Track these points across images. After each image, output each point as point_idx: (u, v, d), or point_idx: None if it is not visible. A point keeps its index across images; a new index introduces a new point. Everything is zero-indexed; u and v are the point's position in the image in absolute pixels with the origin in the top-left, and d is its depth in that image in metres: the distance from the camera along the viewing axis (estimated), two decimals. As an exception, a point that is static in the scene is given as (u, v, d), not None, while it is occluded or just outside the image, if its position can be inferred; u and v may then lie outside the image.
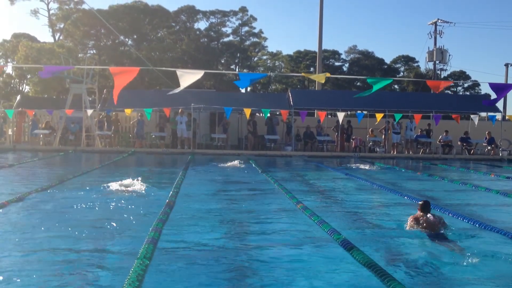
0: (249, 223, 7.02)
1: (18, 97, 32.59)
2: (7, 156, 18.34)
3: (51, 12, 52.16)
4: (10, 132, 24.20)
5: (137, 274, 4.23)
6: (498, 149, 24.14)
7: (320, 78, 9.94)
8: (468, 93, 54.48)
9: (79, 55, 46.01)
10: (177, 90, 9.47)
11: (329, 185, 11.75)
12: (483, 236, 6.37)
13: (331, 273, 4.78)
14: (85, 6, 48.72)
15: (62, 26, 52.21)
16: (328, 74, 9.98)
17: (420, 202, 6.75)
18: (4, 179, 11.77)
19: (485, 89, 56.68)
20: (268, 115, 22.84)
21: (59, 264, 4.81)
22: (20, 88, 53.15)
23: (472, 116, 25.15)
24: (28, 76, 46.98)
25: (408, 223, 6.55)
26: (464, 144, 24.47)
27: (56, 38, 52.23)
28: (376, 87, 9.19)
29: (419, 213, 6.58)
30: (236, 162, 15.85)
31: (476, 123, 24.26)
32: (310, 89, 46.44)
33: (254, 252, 5.42)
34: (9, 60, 54.09)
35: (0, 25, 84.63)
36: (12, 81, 53.32)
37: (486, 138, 24.38)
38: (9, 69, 48.77)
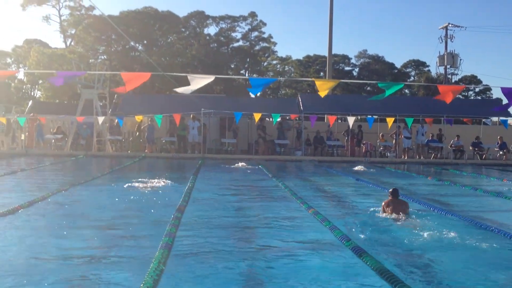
0: (260, 228, 7.01)
1: (30, 102, 32.89)
2: (19, 161, 18.47)
3: (62, 18, 52.71)
4: (22, 137, 24.37)
5: (153, 279, 4.24)
6: (510, 154, 23.93)
7: (326, 85, 9.90)
8: (479, 98, 54.15)
9: (90, 60, 46.33)
10: (188, 90, 9.48)
11: (340, 190, 11.71)
12: (495, 242, 6.30)
13: (342, 279, 4.75)
14: (96, 12, 49.18)
15: (73, 32, 52.66)
16: (330, 85, 9.94)
17: (390, 190, 8.01)
18: (16, 183, 11.85)
19: (496, 93, 56.33)
20: (278, 119, 22.81)
21: (72, 269, 4.83)
22: (32, 94, 53.61)
23: (484, 120, 24.99)
24: (40, 82, 47.38)
25: (382, 209, 7.90)
26: (476, 149, 24.31)
27: (68, 43, 52.68)
28: (388, 92, 9.13)
29: (390, 198, 7.85)
30: (245, 167, 15.81)
31: (490, 124, 24.11)
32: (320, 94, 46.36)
33: (266, 257, 5.40)
34: (21, 65, 54.64)
35: (12, 31, 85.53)
36: (24, 86, 53.79)
37: (498, 143, 24.21)
38: (21, 75, 49.26)
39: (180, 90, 10.09)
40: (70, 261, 5.08)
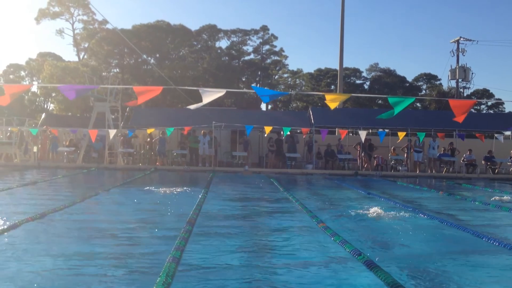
0: (270, 242, 6.99)
1: (43, 115, 33.23)
2: (32, 173, 18.61)
3: (76, 31, 53.31)
4: (35, 149, 24.58)
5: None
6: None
7: (337, 99, 9.91)
8: (491, 111, 53.79)
9: (103, 73, 46.78)
10: (199, 105, 9.55)
11: (351, 204, 11.64)
12: (506, 257, 6.24)
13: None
14: (109, 26, 49.71)
15: (86, 45, 53.23)
16: (340, 98, 9.96)
17: None
18: (28, 195, 11.92)
19: (509, 107, 55.99)
20: (288, 133, 22.76)
21: (80, 281, 4.84)
22: (45, 106, 54.16)
23: (496, 135, 24.80)
24: (53, 95, 47.88)
25: None
26: (488, 163, 24.11)
27: (81, 57, 53.23)
28: (398, 109, 9.05)
29: None
30: (256, 179, 15.80)
31: (502, 141, 23.93)
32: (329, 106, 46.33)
33: (276, 271, 5.39)
34: (34, 78, 55.30)
35: (27, 45, 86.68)
36: (37, 99, 54.38)
37: (510, 157, 24.01)
38: (34, 88, 49.84)
39: (193, 107, 10.16)
40: (78, 273, 5.09)
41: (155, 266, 5.29)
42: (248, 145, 24.49)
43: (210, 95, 9.59)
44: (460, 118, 9.19)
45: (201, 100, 9.72)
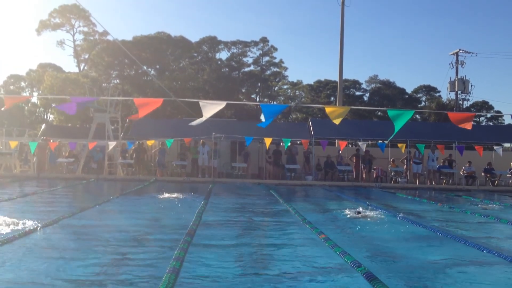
0: (270, 254, 6.97)
1: (43, 126, 33.23)
2: (31, 184, 18.58)
3: (76, 43, 53.49)
4: (34, 159, 24.56)
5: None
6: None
7: (338, 113, 9.92)
8: (491, 123, 53.86)
9: (103, 84, 46.86)
10: (200, 121, 9.53)
11: (351, 216, 11.63)
12: (505, 269, 6.23)
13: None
14: (109, 37, 49.92)
15: (87, 56, 53.39)
16: (341, 112, 9.96)
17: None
18: (27, 207, 11.89)
19: (508, 119, 56.08)
20: (289, 144, 22.76)
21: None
22: (45, 117, 54.18)
23: (495, 147, 24.81)
24: (53, 105, 47.90)
25: None
26: (488, 175, 24.10)
27: (81, 68, 53.36)
28: (399, 125, 9.03)
29: None
30: (256, 191, 15.78)
31: (500, 154, 23.94)
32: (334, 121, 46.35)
33: (276, 282, 5.37)
34: (34, 89, 55.38)
35: (27, 56, 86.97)
36: (37, 110, 54.40)
37: (510, 169, 24.01)
38: (34, 99, 49.93)
39: (195, 123, 10.14)
40: (77, 284, 5.08)
41: (154, 277, 5.28)
42: (248, 156, 24.50)
43: (210, 108, 9.56)
44: (465, 126, 9.20)
45: (201, 111, 9.71)
